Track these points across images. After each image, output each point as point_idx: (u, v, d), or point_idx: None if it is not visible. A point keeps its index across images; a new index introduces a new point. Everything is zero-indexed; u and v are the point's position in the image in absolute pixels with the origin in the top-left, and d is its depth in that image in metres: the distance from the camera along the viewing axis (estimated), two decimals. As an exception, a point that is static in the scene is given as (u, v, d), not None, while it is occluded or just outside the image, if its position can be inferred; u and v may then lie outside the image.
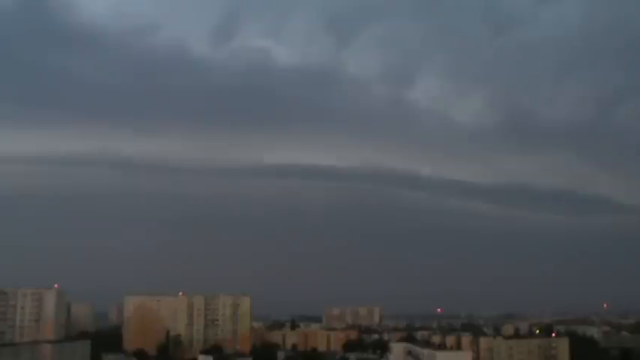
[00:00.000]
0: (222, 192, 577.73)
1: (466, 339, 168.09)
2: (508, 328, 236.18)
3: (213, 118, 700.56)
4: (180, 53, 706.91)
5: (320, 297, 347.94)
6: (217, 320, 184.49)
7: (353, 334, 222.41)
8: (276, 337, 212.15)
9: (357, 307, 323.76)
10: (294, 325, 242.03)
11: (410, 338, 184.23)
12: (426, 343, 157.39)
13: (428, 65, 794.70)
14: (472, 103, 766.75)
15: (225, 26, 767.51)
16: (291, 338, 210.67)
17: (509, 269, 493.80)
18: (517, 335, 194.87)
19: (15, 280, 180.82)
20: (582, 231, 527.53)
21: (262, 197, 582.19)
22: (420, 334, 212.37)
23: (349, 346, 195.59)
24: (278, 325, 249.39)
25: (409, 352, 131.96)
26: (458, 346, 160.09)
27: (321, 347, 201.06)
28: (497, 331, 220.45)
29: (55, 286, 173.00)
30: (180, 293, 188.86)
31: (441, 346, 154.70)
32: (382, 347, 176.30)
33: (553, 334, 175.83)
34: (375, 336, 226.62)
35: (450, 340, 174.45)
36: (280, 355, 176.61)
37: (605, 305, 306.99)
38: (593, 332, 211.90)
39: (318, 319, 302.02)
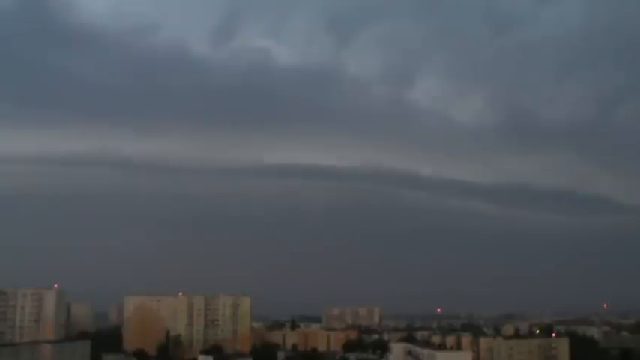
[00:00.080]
0: (222, 192, 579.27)
1: (466, 339, 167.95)
2: (508, 328, 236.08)
3: (213, 118, 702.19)
4: (180, 53, 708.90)
5: (320, 297, 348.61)
6: (217, 320, 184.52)
7: (353, 334, 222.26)
8: (276, 337, 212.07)
9: (357, 307, 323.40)
10: (294, 325, 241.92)
11: (410, 338, 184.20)
12: (426, 343, 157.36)
13: (428, 65, 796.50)
14: (472, 103, 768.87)
15: (225, 26, 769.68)
16: (291, 338, 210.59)
17: (510, 269, 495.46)
18: (517, 335, 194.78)
19: (15, 280, 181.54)
20: (582, 231, 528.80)
21: (262, 197, 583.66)
22: (420, 334, 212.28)
23: (349, 346, 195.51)
24: (278, 325, 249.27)
25: (409, 352, 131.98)
26: (458, 346, 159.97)
27: (321, 347, 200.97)
28: (497, 331, 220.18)
29: (55, 286, 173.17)
30: (180, 293, 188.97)
31: (441, 346, 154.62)
32: (382, 347, 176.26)
33: (553, 334, 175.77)
34: (375, 336, 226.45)
35: (450, 340, 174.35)
36: (280, 355, 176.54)
37: (605, 305, 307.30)
38: (593, 332, 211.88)
39: (318, 319, 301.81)
